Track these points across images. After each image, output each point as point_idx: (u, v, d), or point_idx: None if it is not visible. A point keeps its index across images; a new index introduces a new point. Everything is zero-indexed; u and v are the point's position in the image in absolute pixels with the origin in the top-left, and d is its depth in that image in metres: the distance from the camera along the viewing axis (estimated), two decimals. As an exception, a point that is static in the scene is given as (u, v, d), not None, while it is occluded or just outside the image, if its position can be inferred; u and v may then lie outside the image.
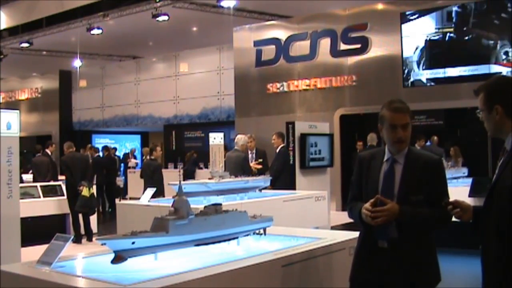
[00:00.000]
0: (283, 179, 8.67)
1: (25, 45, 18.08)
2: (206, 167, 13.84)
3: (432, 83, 12.17)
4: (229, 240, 3.54)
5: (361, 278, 3.12)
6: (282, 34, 14.42)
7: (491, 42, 11.48)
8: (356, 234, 3.34)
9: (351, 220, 3.27)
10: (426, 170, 3.01)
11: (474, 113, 2.72)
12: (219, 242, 3.46)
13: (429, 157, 3.11)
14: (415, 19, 12.39)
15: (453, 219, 2.83)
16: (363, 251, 3.14)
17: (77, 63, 20.21)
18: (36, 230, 8.50)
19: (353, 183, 3.28)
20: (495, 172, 2.56)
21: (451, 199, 2.81)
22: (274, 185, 8.46)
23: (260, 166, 9.56)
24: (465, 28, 11.83)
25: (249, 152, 9.99)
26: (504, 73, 10.97)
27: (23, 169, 12.29)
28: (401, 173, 3.04)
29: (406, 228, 2.95)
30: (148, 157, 10.29)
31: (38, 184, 10.36)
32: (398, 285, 2.99)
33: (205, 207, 3.49)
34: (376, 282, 3.04)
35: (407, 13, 12.46)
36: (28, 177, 12.07)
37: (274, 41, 14.45)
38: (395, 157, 3.09)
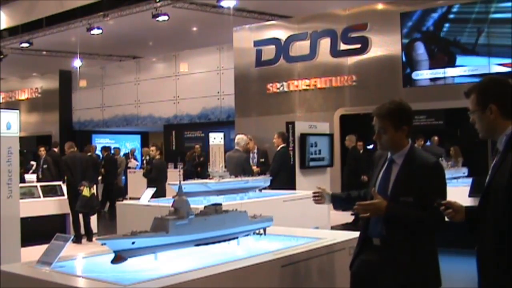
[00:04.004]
0: (280, 180, 8.65)
1: (25, 45, 18.09)
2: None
3: (432, 83, 12.19)
4: (229, 240, 3.54)
5: (357, 273, 3.15)
6: (282, 34, 14.43)
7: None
8: (356, 234, 3.35)
9: (352, 220, 3.29)
10: (419, 173, 2.98)
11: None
12: (219, 242, 3.46)
13: (425, 160, 3.05)
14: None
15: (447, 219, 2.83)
16: (360, 246, 3.18)
17: (77, 63, 20.22)
18: (36, 230, 8.50)
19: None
20: (488, 173, 2.56)
21: (452, 199, 2.81)
22: (271, 185, 8.46)
23: (258, 169, 9.59)
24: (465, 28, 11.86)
25: (251, 152, 10.01)
26: (504, 74, 10.98)
27: (23, 169, 12.27)
28: (396, 173, 3.06)
29: (392, 226, 2.96)
30: (158, 156, 10.16)
31: (38, 184, 10.36)
32: (389, 283, 2.97)
33: (205, 207, 3.49)
34: (370, 278, 3.06)
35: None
36: (30, 177, 12.04)
37: (274, 41, 14.45)
38: (393, 157, 3.11)
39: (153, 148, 10.22)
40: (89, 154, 13.46)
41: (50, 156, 12.14)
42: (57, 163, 11.45)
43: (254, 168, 9.60)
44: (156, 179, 9.62)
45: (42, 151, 12.18)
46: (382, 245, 3.01)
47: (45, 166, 11.69)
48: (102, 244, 2.98)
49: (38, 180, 11.30)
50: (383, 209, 2.91)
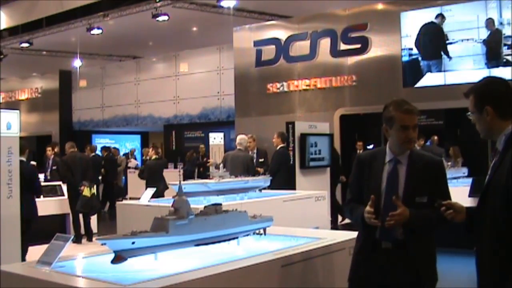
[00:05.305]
0: (278, 179, 8.66)
1: (25, 45, 18.08)
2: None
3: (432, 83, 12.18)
4: (229, 240, 3.55)
5: (362, 279, 3.12)
6: (282, 34, 14.42)
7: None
8: (356, 234, 3.35)
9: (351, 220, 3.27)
10: (428, 171, 3.04)
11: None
12: (219, 242, 3.46)
13: (431, 158, 3.13)
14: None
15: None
16: (364, 252, 3.13)
17: (77, 63, 20.21)
18: (36, 230, 8.49)
19: (351, 184, 3.29)
20: (488, 173, 2.57)
21: (451, 199, 2.82)
22: (269, 185, 8.45)
23: (260, 169, 9.60)
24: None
25: (250, 152, 10.02)
26: (504, 74, 10.96)
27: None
28: (405, 174, 3.05)
29: (411, 229, 2.98)
30: (154, 156, 10.15)
31: (38, 184, 10.33)
32: (400, 285, 3.01)
33: (205, 207, 3.50)
34: (377, 282, 3.05)
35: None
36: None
37: (274, 41, 14.45)
38: (398, 158, 3.09)
39: (149, 148, 10.26)
40: (92, 154, 13.49)
41: (58, 157, 12.07)
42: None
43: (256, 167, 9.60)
44: (148, 179, 9.59)
45: (49, 151, 12.00)
46: (394, 248, 3.01)
47: (54, 167, 11.57)
48: (102, 244, 2.98)
49: (46, 180, 11.26)
50: (407, 217, 2.91)
